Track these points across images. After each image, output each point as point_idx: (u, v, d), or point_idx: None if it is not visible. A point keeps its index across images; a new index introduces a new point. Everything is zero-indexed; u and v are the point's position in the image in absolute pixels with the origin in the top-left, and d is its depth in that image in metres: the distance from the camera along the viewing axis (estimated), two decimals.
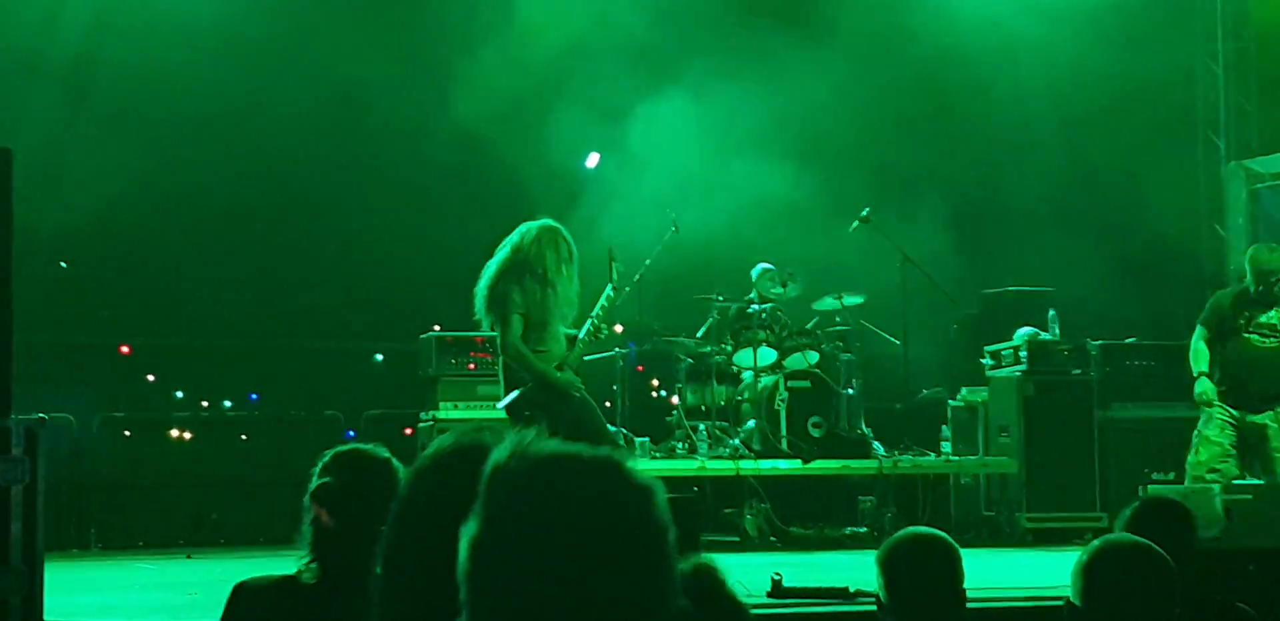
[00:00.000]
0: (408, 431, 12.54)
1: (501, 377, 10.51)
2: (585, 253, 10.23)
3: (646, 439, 13.10)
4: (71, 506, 13.43)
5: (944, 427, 14.19)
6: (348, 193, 15.45)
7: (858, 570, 7.82)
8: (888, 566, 4.33)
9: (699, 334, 13.83)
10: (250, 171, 15.03)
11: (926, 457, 13.66)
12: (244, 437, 14.52)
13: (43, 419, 6.29)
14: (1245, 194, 16.77)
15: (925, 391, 14.91)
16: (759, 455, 12.98)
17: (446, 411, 11.20)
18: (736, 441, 13.05)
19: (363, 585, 2.35)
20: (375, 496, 2.66)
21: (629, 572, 1.79)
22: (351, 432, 13.98)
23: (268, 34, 14.65)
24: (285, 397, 15.02)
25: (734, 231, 14.13)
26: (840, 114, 15.40)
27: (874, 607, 4.45)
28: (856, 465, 13.27)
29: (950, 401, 14.38)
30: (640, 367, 14.37)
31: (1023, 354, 13.65)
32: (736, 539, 12.80)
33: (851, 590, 7.69)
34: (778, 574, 7.78)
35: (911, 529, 4.58)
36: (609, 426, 10.96)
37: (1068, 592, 4.10)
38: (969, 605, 4.42)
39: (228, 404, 15.22)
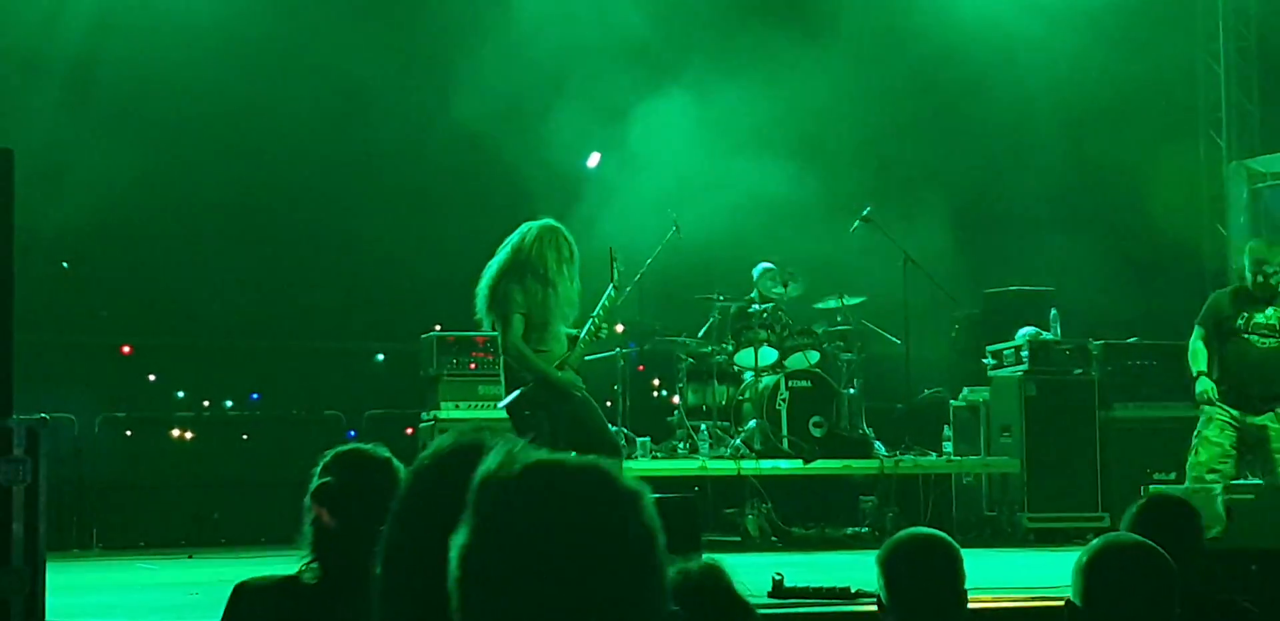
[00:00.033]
0: (409, 431, 12.54)
1: (502, 377, 10.50)
2: (586, 252, 10.22)
3: (648, 438, 13.10)
4: (73, 506, 13.45)
5: (945, 427, 14.19)
6: (349, 192, 15.45)
7: (859, 570, 7.81)
8: (888, 567, 4.32)
9: (700, 334, 13.83)
10: (251, 171, 15.04)
11: (928, 457, 13.65)
12: (245, 437, 14.52)
13: (44, 419, 6.29)
14: (1247, 193, 16.78)
15: (927, 391, 14.90)
16: (760, 455, 12.97)
17: (447, 411, 11.19)
18: (738, 441, 13.05)
19: (363, 585, 2.35)
20: (376, 496, 2.65)
21: (618, 578, 1.79)
22: (352, 432, 13.99)
23: (268, 34, 14.65)
24: (286, 397, 15.03)
25: (735, 231, 14.12)
26: (842, 113, 15.41)
27: (875, 608, 4.45)
28: (858, 465, 13.27)
29: (952, 401, 14.38)
30: (641, 367, 14.38)
31: (1024, 353, 13.65)
32: (738, 539, 12.80)
33: (853, 590, 7.68)
34: (779, 574, 7.77)
35: (912, 529, 4.57)
36: (610, 426, 10.95)
37: (1069, 592, 4.10)
38: (970, 605, 4.42)
39: (229, 404, 15.24)
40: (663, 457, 13.02)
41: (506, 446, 1.92)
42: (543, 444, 1.94)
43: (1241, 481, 10.34)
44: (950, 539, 4.45)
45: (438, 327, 11.58)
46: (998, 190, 16.58)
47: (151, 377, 15.33)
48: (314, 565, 3.94)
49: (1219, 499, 9.19)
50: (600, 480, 1.84)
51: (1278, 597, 6.99)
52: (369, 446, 4.03)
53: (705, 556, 3.88)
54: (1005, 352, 13.93)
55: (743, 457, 12.85)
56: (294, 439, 13.67)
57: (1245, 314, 10.89)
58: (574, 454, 1.92)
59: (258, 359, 15.44)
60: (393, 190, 15.43)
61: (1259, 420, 10.86)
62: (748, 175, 14.70)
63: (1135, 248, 16.55)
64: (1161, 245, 16.69)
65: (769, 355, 13.51)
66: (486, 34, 15.02)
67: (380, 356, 15.86)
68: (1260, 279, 10.91)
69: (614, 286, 10.27)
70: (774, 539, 12.93)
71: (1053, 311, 14.09)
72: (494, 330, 10.29)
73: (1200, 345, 11.00)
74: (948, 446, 13.99)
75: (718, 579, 3.77)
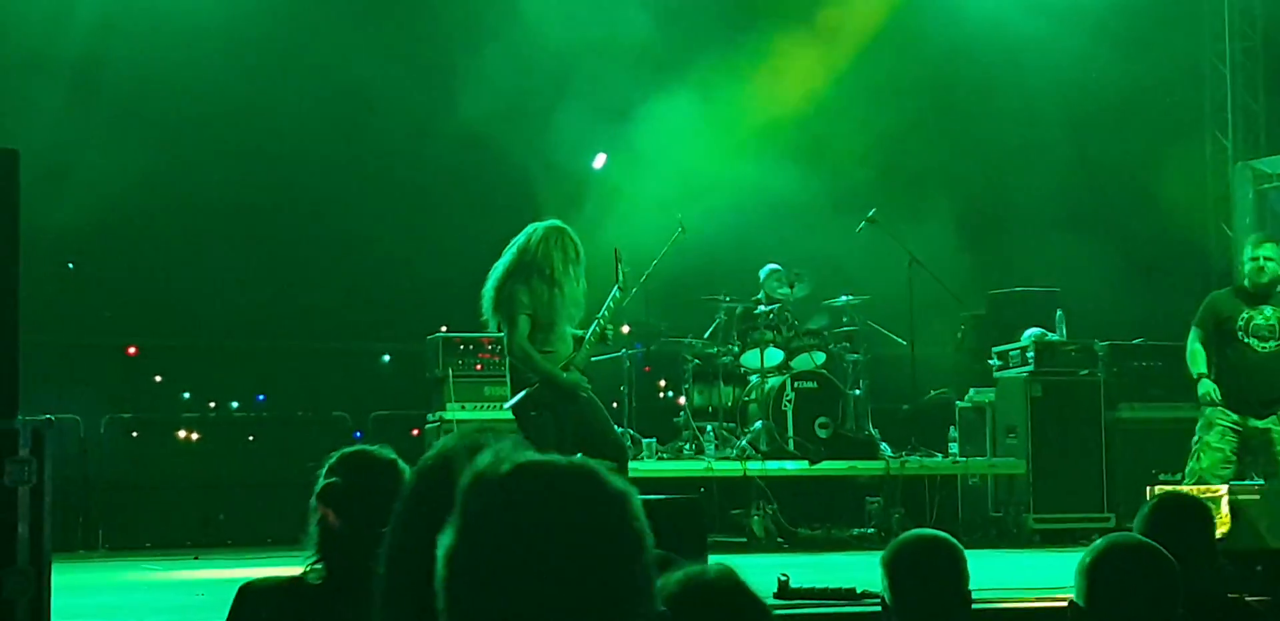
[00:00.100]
0: (415, 432, 12.56)
1: (508, 378, 10.50)
2: (591, 253, 10.21)
3: (654, 439, 13.11)
4: (79, 507, 13.45)
5: (951, 428, 14.19)
6: (354, 193, 15.47)
7: (865, 571, 7.80)
8: (892, 568, 4.32)
9: (706, 335, 13.84)
10: (257, 172, 15.05)
11: (934, 458, 13.65)
12: (251, 438, 14.53)
13: (50, 420, 6.29)
14: (1252, 194, 16.77)
15: (932, 392, 14.90)
16: (766, 456, 12.98)
17: (453, 412, 11.21)
18: (743, 442, 13.05)
19: (368, 586, 2.35)
20: (381, 497, 2.65)
21: (605, 578, 1.78)
22: (359, 433, 13.99)
23: (272, 34, 14.67)
24: (292, 398, 15.04)
25: (740, 232, 14.13)
26: (847, 114, 15.40)
27: (880, 609, 4.45)
28: (864, 466, 13.27)
29: (958, 402, 14.38)
30: (647, 368, 14.39)
31: (1030, 354, 13.64)
32: (744, 539, 12.80)
33: (859, 591, 7.68)
34: (784, 575, 7.77)
35: (915, 530, 4.56)
36: (616, 427, 10.94)
37: (1072, 593, 4.10)
38: (975, 606, 4.42)
39: (235, 405, 15.25)
40: (668, 458, 13.03)
41: (496, 446, 1.91)
42: (548, 445, 1.94)
43: (1245, 482, 10.33)
44: (954, 540, 4.44)
45: (444, 329, 11.60)
46: (1003, 191, 16.58)
47: (158, 378, 15.35)
48: (319, 566, 3.94)
49: (1224, 500, 9.19)
50: (588, 480, 1.84)
51: None
52: (375, 447, 4.03)
53: (712, 559, 3.87)
54: (1011, 353, 13.92)
55: (748, 458, 12.86)
56: (299, 440, 13.68)
57: (1245, 315, 10.85)
58: (580, 455, 1.92)
59: (264, 360, 15.45)
60: (398, 191, 15.44)
61: (1261, 424, 10.84)
62: (753, 176, 14.71)
63: (1141, 248, 16.54)
64: (1167, 246, 16.69)
65: (775, 356, 13.51)
66: (490, 34, 15.02)
67: (386, 357, 15.87)
68: (1252, 268, 10.85)
69: (619, 287, 10.26)
70: (780, 540, 12.93)
71: (1058, 312, 14.09)
72: (500, 331, 10.28)
73: (1198, 346, 10.98)
74: (953, 447, 14.00)
75: (733, 580, 3.76)
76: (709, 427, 13.34)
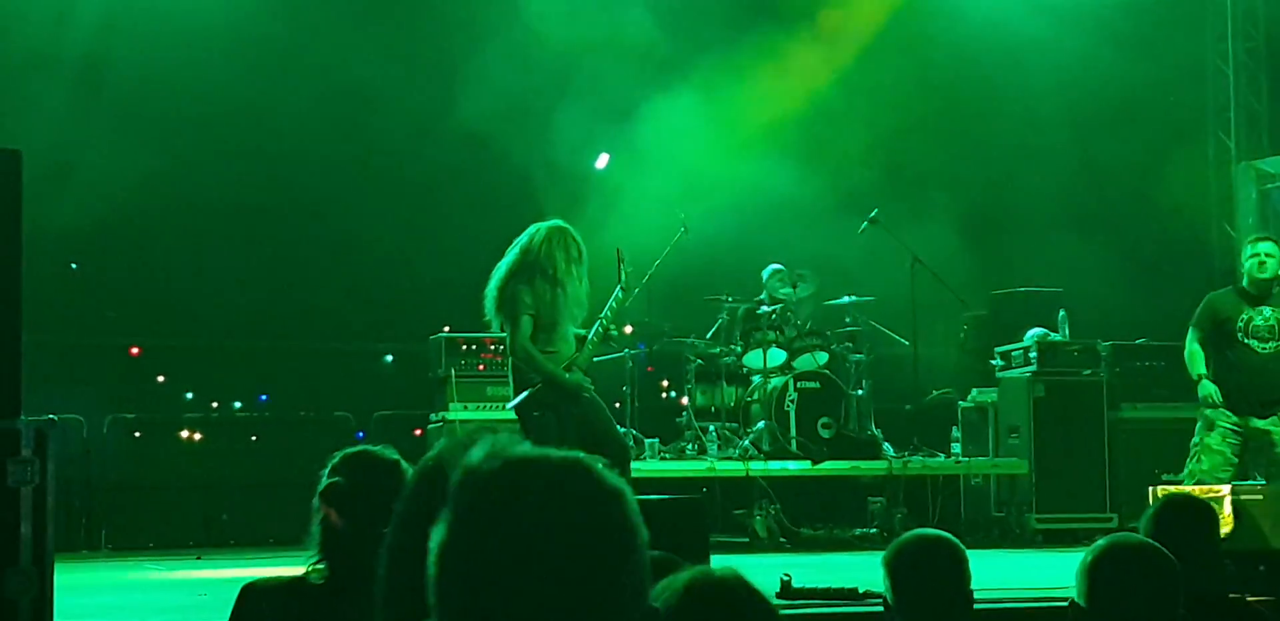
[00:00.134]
0: (417, 432, 12.55)
1: (511, 378, 10.50)
2: (594, 253, 10.21)
3: (656, 440, 13.11)
4: (81, 507, 13.45)
5: (954, 428, 14.18)
6: (357, 193, 15.47)
7: (867, 571, 7.78)
8: (894, 568, 4.32)
9: (708, 335, 13.84)
10: (259, 172, 15.05)
11: (936, 458, 13.65)
12: (254, 438, 14.52)
13: (52, 420, 6.29)
14: (1256, 194, 16.76)
15: (935, 392, 14.90)
16: (768, 456, 12.98)
17: (456, 412, 11.20)
18: (746, 442, 13.05)
19: (370, 586, 2.35)
20: (384, 497, 2.65)
21: (597, 574, 1.78)
22: (361, 434, 13.99)
23: (274, 34, 14.67)
24: (295, 398, 15.04)
25: (743, 232, 14.12)
26: (850, 113, 15.40)
27: (883, 609, 4.44)
28: (866, 466, 13.27)
29: (960, 402, 14.38)
30: (650, 368, 14.39)
31: (1032, 354, 13.64)
32: (746, 540, 12.81)
33: (861, 591, 7.68)
34: (787, 575, 7.77)
35: (917, 530, 4.56)
36: (618, 427, 10.95)
37: (1073, 593, 4.10)
38: (977, 606, 4.42)
39: (237, 405, 15.25)
40: (671, 458, 13.03)
41: (490, 439, 1.90)
42: (551, 445, 1.93)
43: (1248, 482, 10.33)
44: (956, 539, 4.44)
45: (446, 329, 11.59)
46: (1006, 191, 16.57)
47: (160, 379, 15.35)
48: (321, 566, 3.94)
49: (1226, 500, 9.18)
50: (581, 476, 1.83)
51: None
52: (378, 448, 4.03)
53: (714, 559, 3.87)
54: (1014, 354, 13.92)
55: (751, 458, 12.86)
56: (302, 440, 13.67)
57: (1245, 316, 10.84)
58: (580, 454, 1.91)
59: (266, 360, 15.45)
60: (400, 191, 15.44)
61: (1262, 425, 10.83)
62: (756, 176, 14.70)
63: (1143, 248, 16.54)
64: (1170, 246, 16.68)
65: (777, 356, 13.51)
66: (491, 33, 15.02)
67: (389, 357, 15.87)
68: (1250, 264, 10.84)
69: (622, 287, 10.26)
70: (782, 540, 12.93)
71: (1061, 312, 14.08)
72: (503, 331, 10.29)
73: (1197, 347, 10.97)
74: (956, 447, 13.99)
75: (740, 580, 3.76)
76: (711, 428, 13.34)
